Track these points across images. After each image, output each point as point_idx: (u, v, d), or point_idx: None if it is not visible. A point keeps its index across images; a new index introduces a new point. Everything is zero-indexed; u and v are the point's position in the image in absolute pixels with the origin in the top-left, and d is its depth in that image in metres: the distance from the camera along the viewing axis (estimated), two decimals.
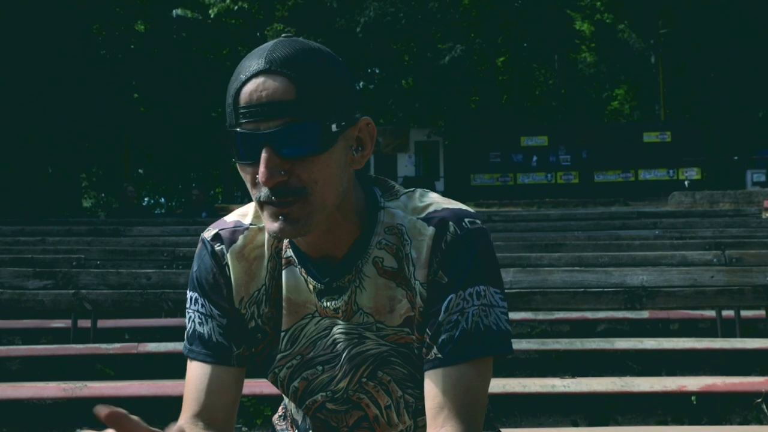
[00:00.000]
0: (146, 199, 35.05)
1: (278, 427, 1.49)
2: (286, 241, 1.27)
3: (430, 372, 1.20)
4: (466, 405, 1.17)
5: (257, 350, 1.31)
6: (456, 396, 1.17)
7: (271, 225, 1.15)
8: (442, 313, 1.20)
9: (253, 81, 1.10)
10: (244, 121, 1.11)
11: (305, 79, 1.10)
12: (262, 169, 1.09)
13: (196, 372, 1.27)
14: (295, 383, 1.30)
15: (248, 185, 1.16)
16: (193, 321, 1.30)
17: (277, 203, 1.12)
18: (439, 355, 1.19)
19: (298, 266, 1.26)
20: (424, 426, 1.31)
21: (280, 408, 1.52)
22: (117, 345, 4.43)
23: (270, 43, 1.15)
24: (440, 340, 1.20)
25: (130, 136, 25.44)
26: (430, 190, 1.31)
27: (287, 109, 1.09)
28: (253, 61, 1.12)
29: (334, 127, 1.12)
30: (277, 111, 1.09)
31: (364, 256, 1.23)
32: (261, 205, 1.15)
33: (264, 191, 1.12)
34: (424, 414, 1.28)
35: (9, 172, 19.07)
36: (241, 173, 1.16)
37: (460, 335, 1.19)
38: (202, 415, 1.25)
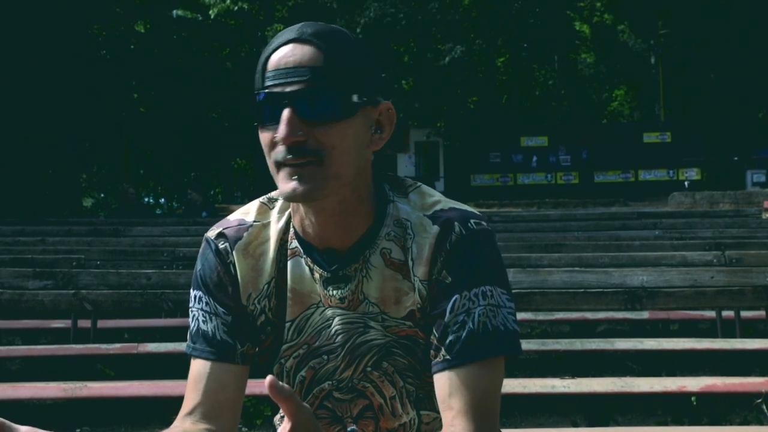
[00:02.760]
0: (146, 199, 35.04)
1: (280, 428, 1.49)
2: (291, 233, 1.28)
3: (440, 374, 1.20)
4: (476, 404, 1.17)
5: (265, 345, 1.31)
6: (465, 395, 1.17)
7: (285, 185, 1.17)
8: (447, 314, 1.20)
9: (283, 48, 1.17)
10: (270, 83, 1.17)
11: (332, 49, 1.16)
12: (281, 126, 1.14)
13: (199, 369, 1.28)
14: (303, 372, 1.31)
15: (266, 150, 1.19)
16: (197, 319, 1.30)
17: (292, 162, 1.15)
18: (447, 357, 1.19)
19: (304, 256, 1.27)
20: (430, 422, 1.31)
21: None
22: (117, 345, 4.42)
23: (303, 22, 1.21)
24: (447, 341, 1.20)
25: (130, 136, 25.44)
26: (435, 190, 1.32)
27: (312, 73, 1.15)
28: (285, 35, 1.19)
29: (355, 98, 1.17)
30: (302, 74, 1.15)
31: (372, 247, 1.24)
32: (278, 167, 1.17)
33: (281, 151, 1.16)
34: (427, 406, 1.29)
35: (9, 172, 19.07)
36: (262, 138, 1.19)
37: (467, 336, 1.19)
38: (198, 410, 1.25)
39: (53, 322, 5.39)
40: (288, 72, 1.15)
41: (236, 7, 25.43)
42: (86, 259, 6.16)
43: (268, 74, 1.17)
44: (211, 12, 25.45)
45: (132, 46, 25.70)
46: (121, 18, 24.91)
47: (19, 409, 4.47)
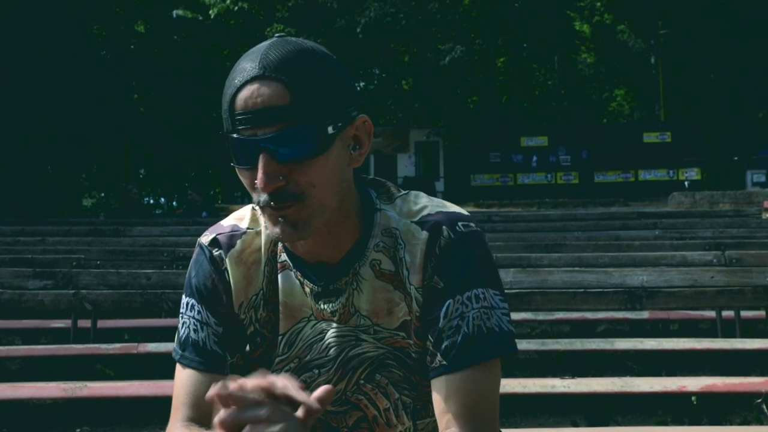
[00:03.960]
0: (146, 199, 35.04)
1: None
2: (280, 246, 1.26)
3: (437, 380, 1.19)
4: (472, 407, 1.16)
5: (256, 354, 1.30)
6: (460, 399, 1.16)
7: (273, 228, 1.15)
8: (441, 319, 1.19)
9: (247, 87, 1.11)
10: (240, 127, 1.11)
11: (299, 83, 1.10)
12: (260, 175, 1.10)
13: (189, 379, 1.28)
14: None
15: (248, 188, 1.17)
16: (188, 327, 1.29)
17: (275, 207, 1.13)
18: (444, 362, 1.18)
19: (294, 270, 1.25)
20: (424, 429, 1.30)
21: None
22: (117, 345, 4.42)
23: (263, 45, 1.14)
24: (443, 346, 1.19)
25: (130, 136, 25.45)
26: (424, 193, 1.30)
27: (282, 114, 1.09)
28: (247, 65, 1.12)
29: (330, 129, 1.12)
30: (272, 116, 1.09)
31: (362, 259, 1.23)
32: (261, 208, 1.16)
33: (263, 196, 1.13)
34: (423, 416, 1.28)
35: (9, 172, 19.08)
36: (240, 177, 1.16)
37: (462, 340, 1.18)
38: (195, 420, 1.25)
39: (53, 322, 5.38)
40: (257, 115, 1.09)
41: (236, 7, 25.45)
42: (86, 259, 6.16)
43: (236, 116, 1.11)
44: (211, 12, 25.46)
45: (132, 46, 25.71)
46: (121, 18, 24.95)
47: (19, 409, 4.47)
